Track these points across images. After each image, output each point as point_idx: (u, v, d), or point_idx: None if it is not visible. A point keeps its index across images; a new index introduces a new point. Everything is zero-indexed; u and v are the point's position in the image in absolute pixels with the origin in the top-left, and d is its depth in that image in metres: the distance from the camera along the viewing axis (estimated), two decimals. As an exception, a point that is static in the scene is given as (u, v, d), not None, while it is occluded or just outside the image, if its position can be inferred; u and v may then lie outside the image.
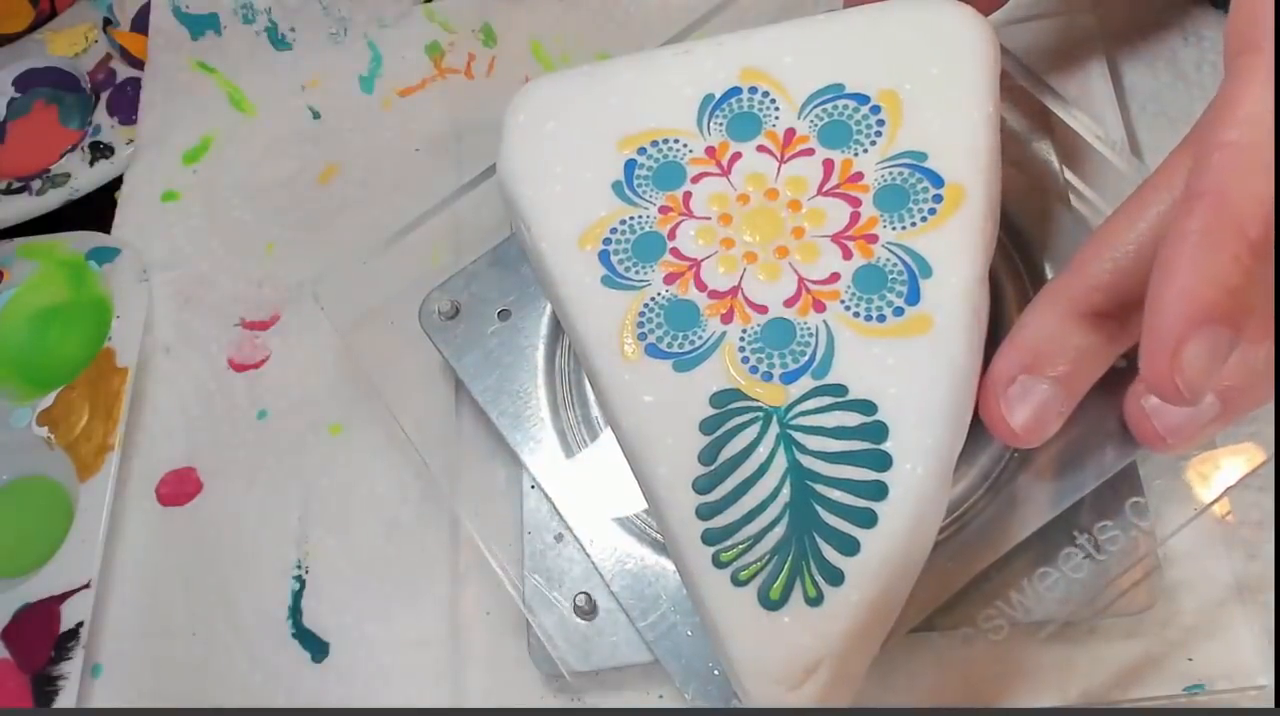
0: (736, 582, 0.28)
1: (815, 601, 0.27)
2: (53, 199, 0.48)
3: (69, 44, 0.52)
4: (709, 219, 0.32)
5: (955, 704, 0.31)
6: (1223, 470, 0.32)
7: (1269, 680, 0.31)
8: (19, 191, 0.49)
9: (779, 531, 0.28)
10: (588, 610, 0.33)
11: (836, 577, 0.27)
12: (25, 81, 0.52)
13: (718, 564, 0.28)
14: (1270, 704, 0.31)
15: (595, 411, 0.35)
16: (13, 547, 0.41)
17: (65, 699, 0.37)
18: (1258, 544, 0.33)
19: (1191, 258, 0.24)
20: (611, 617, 0.33)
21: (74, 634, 0.38)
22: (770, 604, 0.28)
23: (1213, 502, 0.32)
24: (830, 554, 0.28)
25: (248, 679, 0.37)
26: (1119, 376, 0.30)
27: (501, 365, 0.36)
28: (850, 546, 0.28)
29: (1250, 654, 0.31)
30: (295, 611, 0.38)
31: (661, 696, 0.34)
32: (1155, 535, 0.31)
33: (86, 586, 0.39)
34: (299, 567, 0.38)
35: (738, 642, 0.28)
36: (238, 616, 0.38)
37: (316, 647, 0.37)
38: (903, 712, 0.30)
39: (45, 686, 0.37)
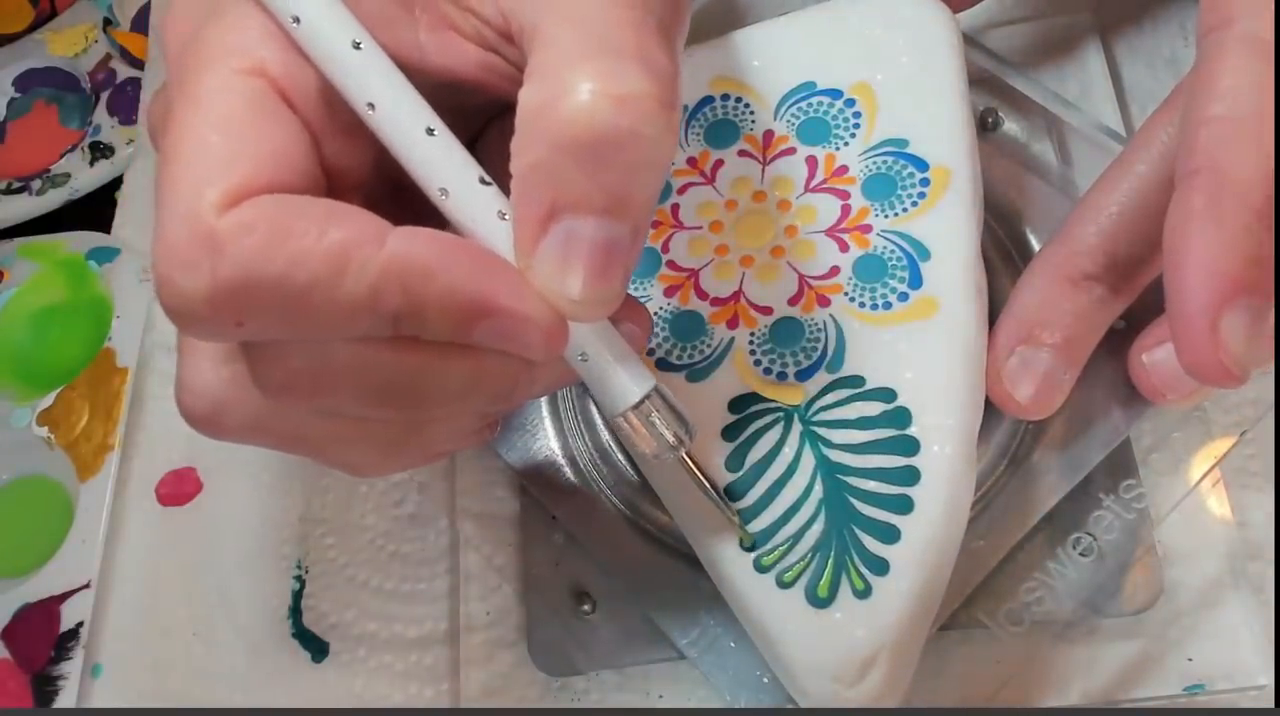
0: (782, 585, 0.28)
1: (864, 594, 0.27)
2: (53, 199, 0.48)
3: (69, 44, 0.52)
4: (700, 228, 0.33)
5: (954, 704, 0.31)
6: (1214, 446, 0.33)
7: (1269, 680, 0.31)
8: (19, 191, 0.49)
9: (817, 528, 0.28)
10: (588, 610, 0.33)
11: (881, 567, 0.27)
12: (25, 81, 0.52)
13: (760, 568, 0.28)
14: (1270, 704, 0.31)
15: (605, 436, 0.34)
16: (13, 547, 0.41)
17: (65, 699, 0.37)
18: (1258, 544, 0.33)
19: (1203, 234, 0.23)
20: (612, 617, 0.33)
21: (74, 634, 0.38)
22: (819, 602, 0.28)
23: (1204, 477, 0.32)
24: (872, 544, 0.28)
25: (248, 679, 0.37)
26: (1122, 340, 0.30)
27: None
28: (891, 535, 0.28)
29: (1250, 654, 0.31)
30: (295, 611, 0.37)
31: (661, 696, 0.33)
32: (1151, 517, 0.31)
33: (86, 586, 0.39)
34: (299, 567, 0.38)
35: (791, 645, 0.28)
36: (238, 616, 0.38)
37: (316, 647, 0.37)
38: (904, 713, 0.30)
39: (45, 686, 0.37)
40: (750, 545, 0.29)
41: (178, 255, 0.21)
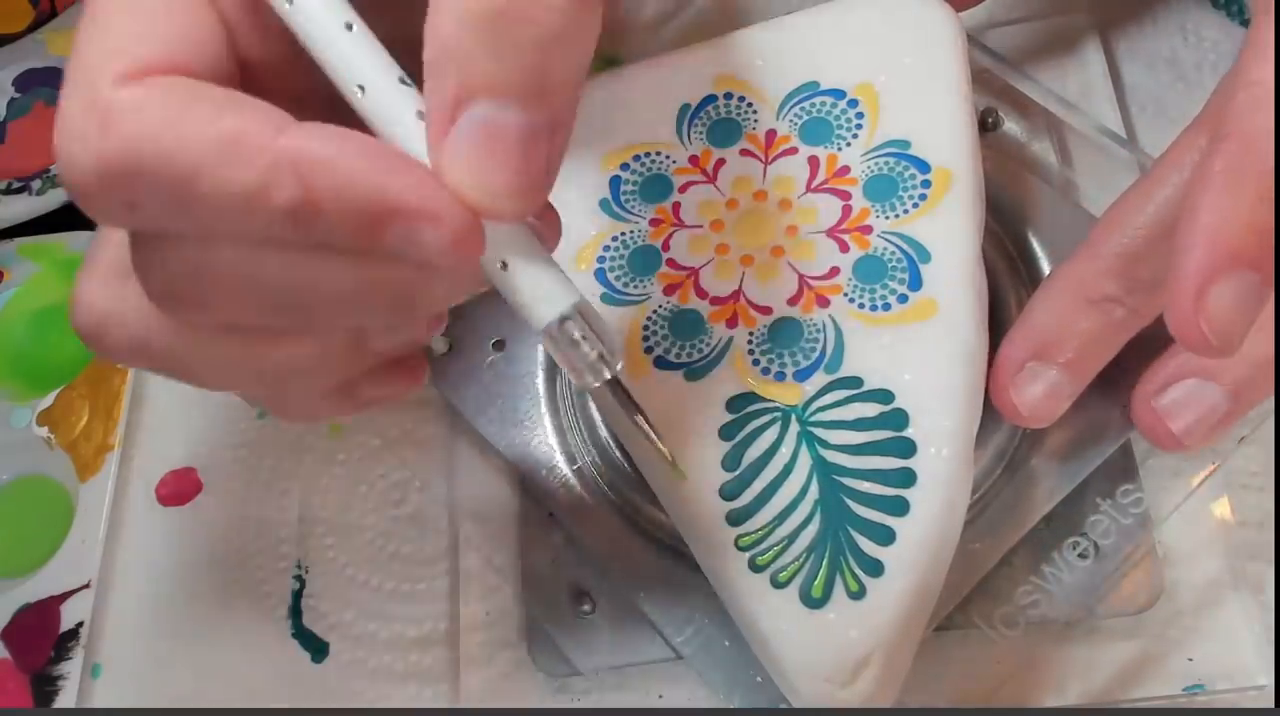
0: (776, 585, 0.28)
1: (858, 595, 0.27)
2: (53, 199, 0.48)
3: (69, 44, 0.52)
4: (701, 227, 0.33)
5: (954, 704, 0.31)
6: (1214, 450, 0.32)
7: (1269, 680, 0.31)
8: (19, 191, 0.49)
9: (813, 529, 0.28)
10: (588, 610, 0.33)
11: (876, 569, 0.27)
12: (25, 81, 0.52)
13: (754, 568, 0.28)
14: (1270, 704, 0.31)
15: (603, 432, 0.34)
16: (13, 547, 0.41)
17: (65, 699, 0.37)
18: (1258, 544, 0.33)
19: (1216, 199, 0.23)
20: (611, 617, 0.33)
21: (74, 634, 0.38)
22: (813, 602, 0.28)
23: (1204, 480, 0.32)
24: (867, 545, 0.28)
25: (248, 679, 0.37)
26: (1127, 347, 0.30)
27: (502, 396, 0.36)
28: (886, 536, 0.28)
29: (1250, 654, 0.31)
30: (295, 611, 0.37)
31: (661, 696, 0.33)
32: (1151, 519, 0.31)
33: (86, 586, 0.39)
34: (299, 567, 0.38)
35: (784, 645, 0.28)
36: (238, 616, 0.38)
37: (316, 647, 0.37)
38: (904, 713, 0.30)
39: (45, 686, 0.37)
40: (682, 478, 0.28)
41: (72, 125, 0.20)
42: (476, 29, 0.19)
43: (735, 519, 0.29)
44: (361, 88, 0.21)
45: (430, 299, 0.22)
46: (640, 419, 0.26)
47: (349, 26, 0.22)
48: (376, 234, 0.20)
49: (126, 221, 0.21)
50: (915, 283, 0.30)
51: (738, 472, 0.29)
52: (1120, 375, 0.31)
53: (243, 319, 0.22)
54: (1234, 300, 0.23)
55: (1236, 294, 0.23)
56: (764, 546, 0.28)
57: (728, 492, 0.29)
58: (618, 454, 0.34)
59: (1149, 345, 0.30)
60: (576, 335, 0.23)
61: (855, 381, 0.30)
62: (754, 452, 0.29)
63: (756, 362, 0.31)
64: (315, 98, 0.22)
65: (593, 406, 0.35)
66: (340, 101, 0.22)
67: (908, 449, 0.28)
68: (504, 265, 0.22)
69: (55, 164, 0.21)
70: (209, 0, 0.22)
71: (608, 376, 0.24)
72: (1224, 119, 0.24)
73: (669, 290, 0.32)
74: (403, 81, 0.22)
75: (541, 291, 0.22)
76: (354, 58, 0.22)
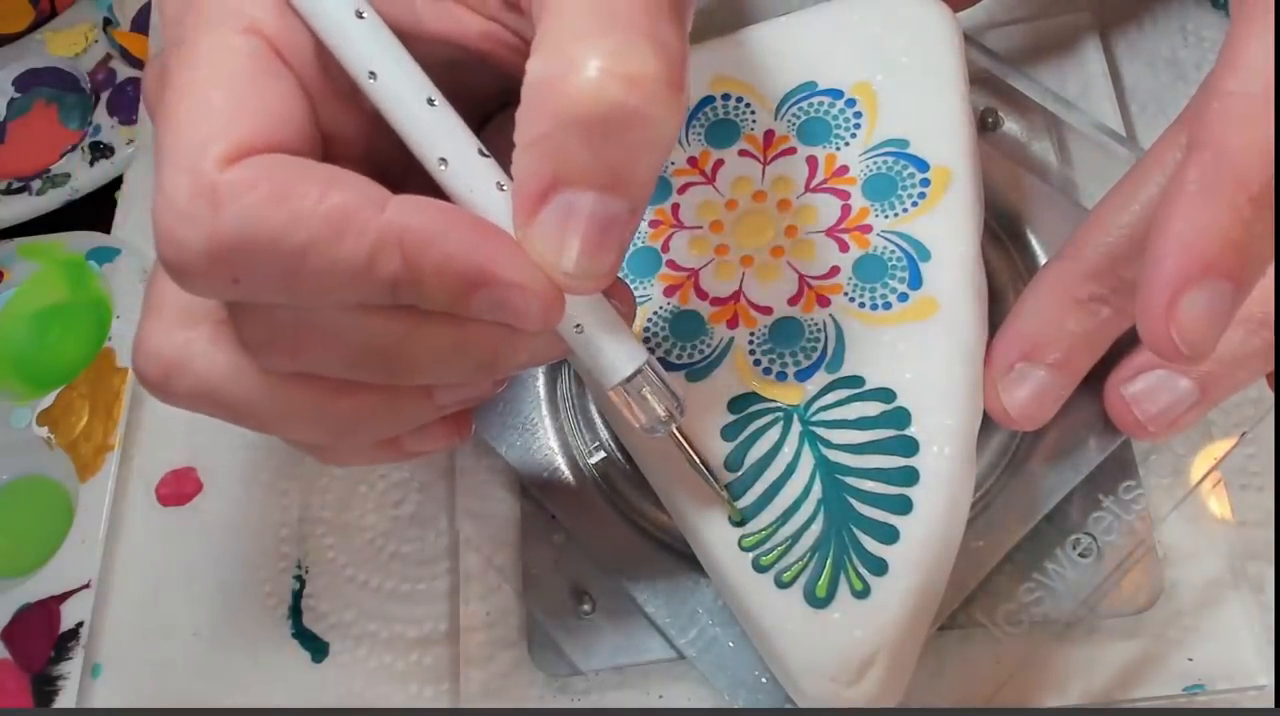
0: (780, 585, 0.28)
1: (862, 594, 0.27)
2: (53, 199, 0.48)
3: (69, 44, 0.52)
4: (700, 228, 0.33)
5: (954, 704, 0.31)
6: (1214, 447, 0.32)
7: (1269, 680, 0.31)
8: (19, 191, 0.49)
9: (816, 528, 0.28)
10: (588, 610, 0.33)
11: (880, 567, 0.27)
12: (25, 81, 0.52)
13: (758, 568, 0.28)
14: (1270, 704, 0.31)
15: (604, 433, 0.34)
16: (13, 547, 0.41)
17: (65, 699, 0.37)
18: (1258, 544, 0.33)
19: (1188, 209, 0.23)
20: (611, 618, 0.33)
21: (74, 634, 0.38)
22: (817, 602, 0.28)
23: (1204, 477, 0.32)
24: (870, 544, 0.28)
25: (248, 679, 0.37)
26: (1127, 348, 0.30)
27: (504, 399, 0.36)
28: (889, 535, 0.28)
29: (1250, 654, 0.31)
30: (295, 611, 0.38)
31: (661, 696, 0.33)
32: (1151, 518, 0.31)
33: (86, 586, 0.39)
34: (299, 567, 0.38)
35: (789, 645, 0.28)
36: (238, 616, 0.38)
37: (316, 647, 0.37)
38: (904, 713, 0.30)
39: (45, 686, 0.37)
40: (740, 520, 0.29)
41: (178, 208, 0.20)
42: (576, 128, 0.21)
43: (738, 519, 0.29)
44: (444, 160, 0.23)
45: (512, 360, 0.24)
46: (702, 468, 0.28)
47: (431, 102, 0.23)
48: (467, 299, 0.22)
49: (227, 295, 0.22)
50: (915, 281, 0.30)
51: (740, 473, 0.29)
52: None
53: (330, 370, 0.23)
54: (1205, 309, 0.23)
55: (1208, 303, 0.23)
56: (767, 546, 0.28)
57: (731, 493, 0.29)
58: (619, 455, 0.34)
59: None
60: (645, 392, 0.25)
61: (856, 380, 0.30)
62: (756, 453, 0.29)
63: (758, 363, 0.31)
64: (381, 159, 0.24)
65: (593, 408, 0.35)
66: (412, 166, 0.23)
67: (910, 447, 0.28)
68: (579, 328, 0.24)
69: (158, 248, 0.21)
70: (290, 71, 0.23)
71: (674, 428, 0.26)
72: (1199, 128, 0.24)
73: (669, 291, 0.32)
74: (481, 153, 0.23)
75: (613, 352, 0.24)
76: (437, 131, 0.23)
